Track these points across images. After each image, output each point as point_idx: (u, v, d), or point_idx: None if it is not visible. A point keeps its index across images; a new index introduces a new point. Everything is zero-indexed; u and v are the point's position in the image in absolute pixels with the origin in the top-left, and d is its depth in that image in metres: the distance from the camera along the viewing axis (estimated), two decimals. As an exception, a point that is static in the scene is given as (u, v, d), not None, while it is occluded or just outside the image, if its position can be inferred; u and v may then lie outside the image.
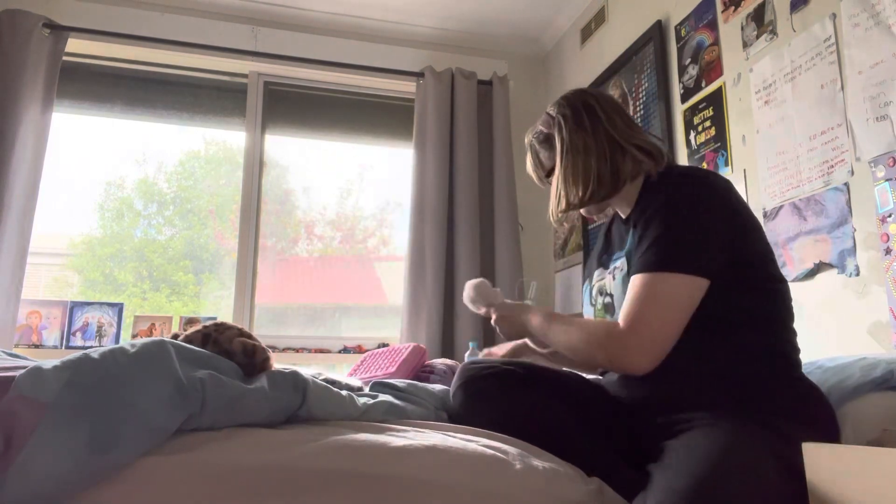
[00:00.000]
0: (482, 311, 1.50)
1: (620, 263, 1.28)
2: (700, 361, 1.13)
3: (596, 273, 1.41)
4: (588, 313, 1.41)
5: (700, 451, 0.95)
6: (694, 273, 1.11)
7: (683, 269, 1.11)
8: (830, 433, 1.11)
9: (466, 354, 2.38)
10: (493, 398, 1.25)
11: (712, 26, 2.29)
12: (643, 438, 1.15)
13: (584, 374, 1.43)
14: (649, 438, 1.12)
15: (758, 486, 0.89)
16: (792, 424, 1.03)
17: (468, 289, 1.52)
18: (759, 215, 2.01)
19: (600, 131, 1.30)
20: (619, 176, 1.28)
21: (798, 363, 1.19)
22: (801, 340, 1.21)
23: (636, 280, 1.15)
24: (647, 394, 1.19)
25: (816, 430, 1.06)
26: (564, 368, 1.53)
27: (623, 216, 1.36)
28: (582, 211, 1.38)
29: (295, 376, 1.13)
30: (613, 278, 1.30)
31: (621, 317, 1.14)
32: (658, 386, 1.15)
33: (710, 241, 1.14)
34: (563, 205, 1.32)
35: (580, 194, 1.29)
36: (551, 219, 1.39)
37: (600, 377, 1.39)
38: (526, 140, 1.45)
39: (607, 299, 1.33)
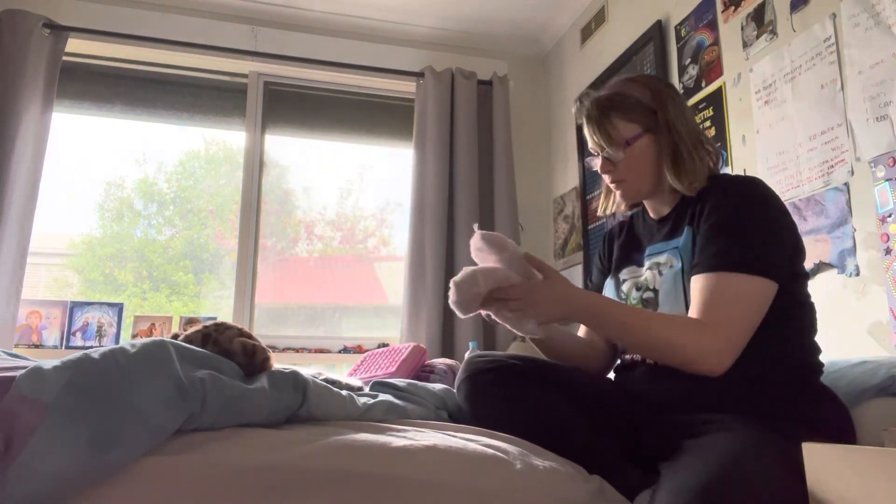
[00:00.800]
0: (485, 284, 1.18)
1: (664, 259, 1.27)
2: (732, 365, 1.13)
3: (625, 269, 1.39)
4: None
5: (717, 452, 0.95)
6: (768, 276, 1.12)
7: (759, 271, 1.11)
8: (846, 438, 1.12)
9: (466, 354, 2.38)
10: (498, 392, 1.24)
11: (712, 26, 2.29)
12: (657, 436, 1.15)
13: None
14: (664, 436, 1.12)
15: (771, 492, 0.89)
16: (811, 434, 1.03)
17: (479, 241, 1.26)
18: (759, 215, 2.01)
19: (690, 124, 1.29)
20: (703, 168, 1.26)
21: (820, 373, 1.20)
22: (802, 340, 1.22)
23: (711, 278, 1.13)
24: (670, 391, 1.18)
25: (834, 439, 1.06)
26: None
27: (654, 214, 1.36)
28: (612, 185, 1.34)
29: (295, 376, 1.13)
30: (660, 273, 1.27)
31: (699, 314, 1.11)
32: (682, 385, 1.15)
33: (781, 247, 1.15)
34: (649, 185, 1.30)
35: (675, 178, 1.25)
36: (630, 200, 1.33)
37: (602, 372, 1.39)
38: (584, 102, 1.32)
39: (647, 294, 1.30)
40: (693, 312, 1.14)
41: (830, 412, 1.13)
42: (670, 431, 1.12)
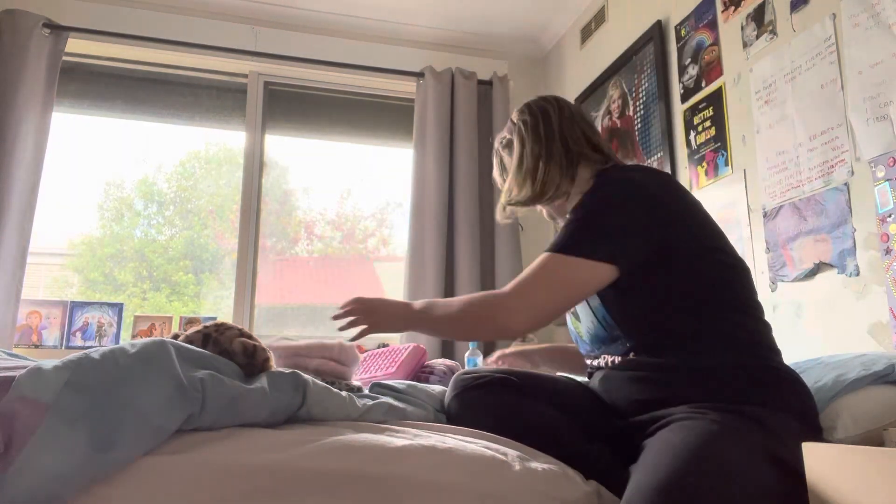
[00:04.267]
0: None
1: None
2: (668, 356, 1.14)
3: None
4: (570, 322, 1.44)
5: (671, 447, 0.95)
6: (594, 258, 1.16)
7: (583, 253, 1.17)
8: (808, 418, 1.10)
9: (466, 355, 2.38)
10: (487, 407, 1.26)
11: (712, 26, 2.29)
12: (627, 438, 1.15)
13: (577, 379, 1.43)
14: (632, 439, 1.12)
15: (731, 478, 0.88)
16: (768, 411, 1.03)
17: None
18: (758, 215, 2.01)
19: (554, 137, 1.38)
20: (568, 176, 1.36)
21: (773, 349, 1.19)
22: (801, 340, 1.22)
23: (538, 258, 1.22)
24: (625, 394, 1.19)
25: (794, 416, 1.05)
26: (558, 374, 1.54)
27: None
28: (544, 213, 1.47)
29: (295, 376, 1.13)
30: None
31: (509, 286, 1.22)
32: (633, 385, 1.17)
33: (621, 230, 1.18)
34: (505, 198, 1.43)
35: (525, 192, 1.38)
36: (497, 213, 1.49)
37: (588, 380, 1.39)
38: (494, 146, 1.53)
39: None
40: None
41: (788, 392, 1.11)
42: (635, 433, 1.12)
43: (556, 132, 1.39)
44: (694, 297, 1.16)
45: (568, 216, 1.27)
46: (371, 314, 1.34)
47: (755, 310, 1.21)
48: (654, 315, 1.17)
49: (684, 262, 1.18)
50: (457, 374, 1.37)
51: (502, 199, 1.45)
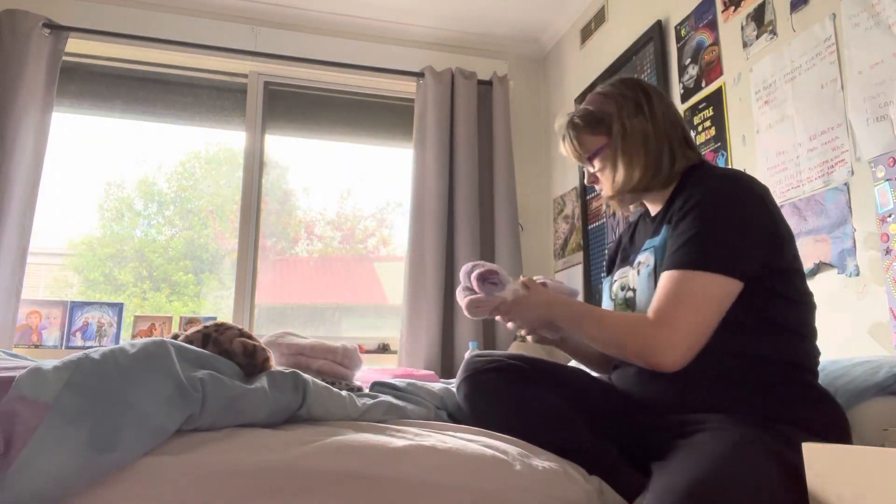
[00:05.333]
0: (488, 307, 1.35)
1: (644, 258, 1.27)
2: (719, 365, 1.13)
3: (620, 269, 1.40)
4: (609, 308, 1.39)
5: (705, 453, 0.95)
6: (729, 274, 1.10)
7: (719, 268, 1.11)
8: (841, 442, 1.10)
9: (467, 354, 2.38)
10: (497, 392, 1.25)
11: (712, 26, 2.29)
12: (651, 436, 1.15)
13: (590, 372, 1.43)
14: (657, 436, 1.11)
15: (758, 493, 0.88)
16: (803, 434, 1.03)
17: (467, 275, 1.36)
18: (759, 215, 2.01)
19: (658, 119, 1.31)
20: (673, 166, 1.29)
21: (815, 374, 1.19)
22: (801, 340, 1.21)
23: (669, 276, 1.14)
24: (662, 392, 1.18)
25: (827, 439, 1.06)
26: (571, 363, 1.53)
27: (652, 212, 1.36)
28: (612, 202, 1.37)
29: (295, 376, 1.13)
30: (638, 273, 1.28)
31: (651, 311, 1.13)
32: (674, 385, 1.15)
33: (748, 244, 1.13)
34: (617, 187, 1.31)
35: (635, 179, 1.29)
36: (608, 201, 1.37)
37: (607, 375, 1.39)
38: (561, 121, 1.40)
39: (629, 294, 1.31)
40: (649, 310, 1.15)
41: (824, 413, 1.12)
42: (662, 432, 1.12)
43: (663, 116, 1.31)
44: (762, 315, 1.15)
45: (675, 220, 1.19)
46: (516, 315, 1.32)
47: (812, 335, 1.20)
48: (719, 325, 1.14)
49: (768, 281, 1.15)
50: (470, 356, 1.35)
51: (609, 189, 1.33)
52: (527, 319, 1.33)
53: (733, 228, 1.14)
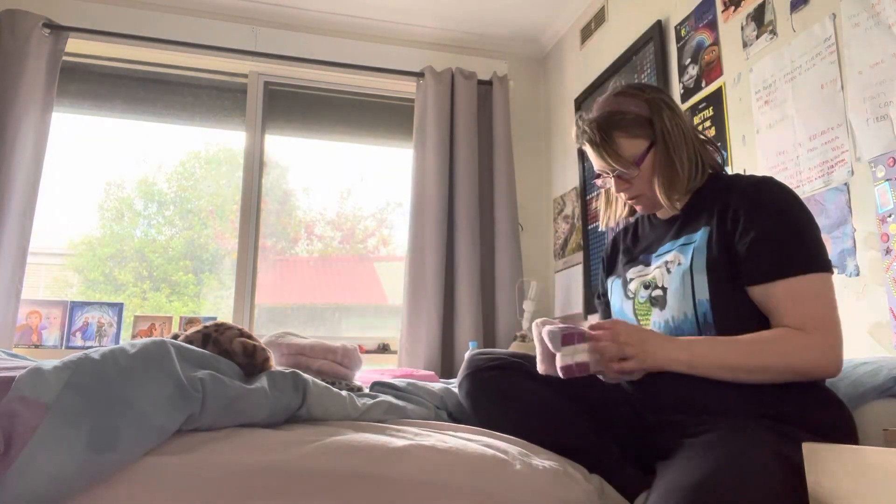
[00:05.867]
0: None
1: (672, 256, 1.26)
2: None
3: (633, 269, 1.38)
4: (625, 306, 1.36)
5: (714, 453, 0.95)
6: (830, 271, 1.15)
7: (825, 267, 1.14)
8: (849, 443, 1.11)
9: (467, 354, 2.38)
10: (499, 389, 1.25)
11: (712, 26, 2.29)
12: (657, 435, 1.14)
13: None
14: (664, 435, 1.11)
15: (766, 495, 0.88)
16: (812, 436, 1.03)
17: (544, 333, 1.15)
18: (759, 215, 2.01)
19: (684, 118, 1.32)
20: (705, 169, 1.30)
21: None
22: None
23: (788, 284, 1.12)
24: (670, 392, 1.18)
25: (836, 442, 1.06)
26: None
27: (663, 215, 1.36)
28: (641, 206, 1.35)
29: (295, 376, 1.13)
30: (668, 271, 1.26)
31: (792, 321, 1.11)
32: (682, 385, 1.15)
33: (820, 240, 1.17)
34: (674, 186, 1.27)
35: (688, 177, 1.27)
36: (670, 205, 1.30)
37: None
38: (584, 129, 1.32)
39: (655, 292, 1.28)
40: (785, 322, 1.12)
41: (833, 416, 1.12)
42: (668, 431, 1.11)
43: (683, 114, 1.32)
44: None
45: (756, 231, 1.16)
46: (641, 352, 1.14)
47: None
48: (754, 327, 1.14)
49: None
50: (472, 353, 1.35)
51: (675, 185, 1.27)
52: (660, 362, 1.14)
53: (814, 228, 1.18)
